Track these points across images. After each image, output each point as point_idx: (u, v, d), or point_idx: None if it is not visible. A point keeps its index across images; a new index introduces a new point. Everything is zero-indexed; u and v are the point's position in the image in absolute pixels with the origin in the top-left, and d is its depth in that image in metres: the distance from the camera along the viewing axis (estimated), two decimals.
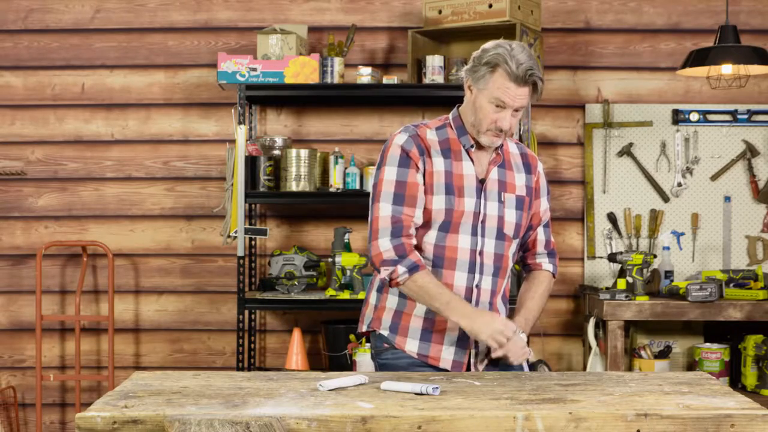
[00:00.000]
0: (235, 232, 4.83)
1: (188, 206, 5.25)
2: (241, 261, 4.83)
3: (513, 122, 2.88)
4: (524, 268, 3.18)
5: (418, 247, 2.94)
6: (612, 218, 5.19)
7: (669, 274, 4.97)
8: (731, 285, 4.86)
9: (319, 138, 5.22)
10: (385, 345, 2.99)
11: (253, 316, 5.15)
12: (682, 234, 5.19)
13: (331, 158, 4.95)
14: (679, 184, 5.19)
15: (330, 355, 4.92)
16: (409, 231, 2.89)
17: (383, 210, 2.90)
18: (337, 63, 4.88)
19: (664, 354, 5.00)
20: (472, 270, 2.94)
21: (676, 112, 5.18)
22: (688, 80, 5.19)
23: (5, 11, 5.23)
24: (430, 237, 2.94)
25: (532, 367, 4.56)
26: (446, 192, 2.91)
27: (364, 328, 3.07)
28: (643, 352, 4.97)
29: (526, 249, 3.15)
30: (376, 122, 5.23)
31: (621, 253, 4.81)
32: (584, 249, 5.23)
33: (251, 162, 4.84)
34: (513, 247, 3.03)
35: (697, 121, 5.18)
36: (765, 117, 5.18)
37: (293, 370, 4.78)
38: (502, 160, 3.01)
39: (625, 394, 2.49)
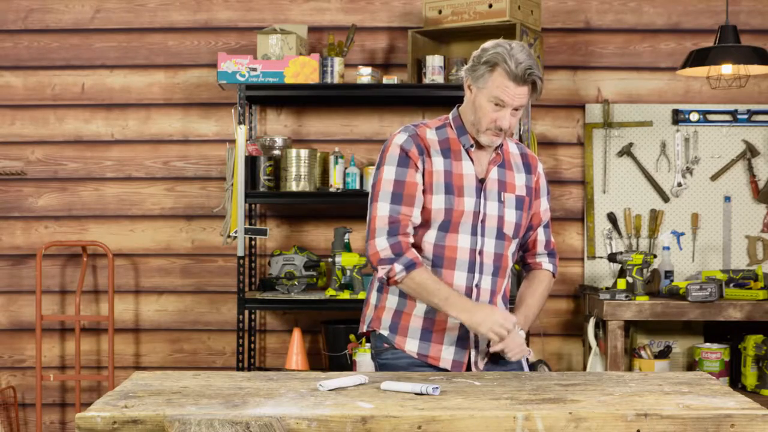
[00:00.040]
0: (235, 232, 4.83)
1: (188, 206, 5.25)
2: (241, 261, 4.83)
3: (512, 121, 2.88)
4: (524, 267, 3.19)
5: (418, 247, 2.94)
6: (612, 218, 5.20)
7: (669, 274, 4.97)
8: (731, 285, 4.86)
9: (319, 138, 5.22)
10: (385, 345, 2.99)
11: (253, 316, 5.15)
12: (682, 234, 5.19)
13: (331, 158, 4.95)
14: (679, 184, 5.19)
15: (330, 355, 4.92)
16: (406, 230, 2.90)
17: (381, 209, 2.90)
18: (337, 63, 4.88)
19: (664, 354, 5.00)
20: (471, 269, 2.95)
21: (676, 112, 5.18)
22: (688, 80, 5.19)
23: (5, 11, 5.23)
24: (430, 236, 2.94)
25: (532, 367, 4.57)
26: (446, 191, 2.91)
27: (364, 328, 3.07)
28: (643, 352, 4.97)
29: (526, 249, 3.15)
30: (376, 122, 5.23)
31: (621, 253, 4.81)
32: (584, 249, 5.23)
33: (251, 162, 4.84)
34: (513, 246, 3.03)
35: (697, 121, 5.18)
36: (765, 117, 5.18)
37: (293, 370, 4.78)
38: (501, 159, 3.01)
39: (625, 394, 2.49)
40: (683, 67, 4.66)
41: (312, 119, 5.24)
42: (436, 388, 2.48)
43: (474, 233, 2.94)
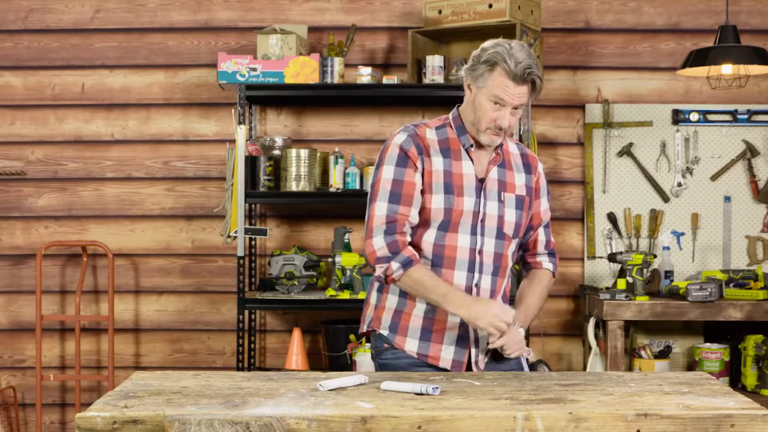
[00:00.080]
0: (235, 232, 4.83)
1: (188, 206, 5.25)
2: (241, 261, 4.83)
3: (512, 120, 2.89)
4: (524, 266, 3.19)
5: (418, 246, 2.94)
6: (612, 218, 5.20)
7: (669, 274, 4.97)
8: (731, 285, 4.86)
9: (319, 138, 5.22)
10: (385, 345, 3.00)
11: (253, 316, 5.15)
12: (682, 234, 5.19)
13: (331, 158, 4.95)
14: (679, 184, 5.19)
15: (330, 355, 4.92)
16: (403, 228, 2.90)
17: (379, 209, 2.91)
18: (337, 63, 4.88)
19: (664, 354, 5.00)
20: (471, 269, 2.95)
21: (676, 112, 5.18)
22: (688, 80, 5.19)
23: (5, 11, 5.23)
24: (430, 236, 2.94)
25: (532, 367, 4.57)
26: (445, 191, 2.92)
27: (364, 328, 3.07)
28: (643, 352, 4.97)
29: (526, 249, 3.15)
30: (376, 122, 5.23)
31: (621, 253, 4.81)
32: (584, 249, 5.23)
33: (251, 162, 4.84)
34: (512, 246, 3.04)
35: (697, 121, 5.18)
36: (765, 117, 5.18)
37: (293, 370, 4.78)
38: (501, 159, 3.01)
39: (625, 394, 2.49)
40: (683, 67, 4.66)
41: (312, 119, 5.24)
42: (436, 388, 2.48)
43: (474, 233, 2.94)
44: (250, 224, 5.12)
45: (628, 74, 5.23)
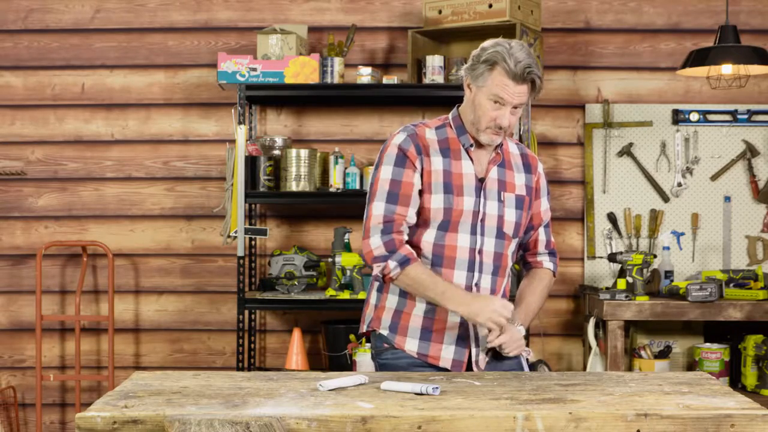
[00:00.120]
0: (235, 232, 4.83)
1: (188, 206, 5.25)
2: (241, 261, 4.83)
3: (512, 120, 2.89)
4: (525, 266, 3.19)
5: (417, 246, 2.94)
6: (612, 218, 5.20)
7: (669, 274, 4.97)
8: (731, 285, 4.86)
9: (319, 138, 5.22)
10: (385, 345, 3.00)
11: (253, 316, 5.15)
12: (682, 234, 5.19)
13: (331, 158, 4.95)
14: (679, 184, 5.19)
15: (330, 355, 4.92)
16: (399, 228, 2.90)
17: (376, 209, 2.92)
18: (337, 63, 4.88)
19: (664, 354, 5.00)
20: (471, 269, 2.95)
21: (676, 112, 5.18)
22: (688, 80, 5.19)
23: (5, 11, 5.23)
24: (430, 236, 2.94)
25: (532, 367, 4.57)
26: (445, 191, 2.92)
27: (364, 329, 3.07)
28: (643, 352, 4.97)
29: (526, 249, 3.16)
30: (376, 122, 5.23)
31: (621, 253, 4.81)
32: (584, 249, 5.23)
33: (251, 162, 4.84)
34: (512, 246, 3.04)
35: (697, 121, 5.18)
36: (765, 117, 5.18)
37: (293, 370, 4.78)
38: (501, 159, 3.01)
39: (625, 394, 2.49)
40: (683, 67, 4.66)
41: (312, 119, 5.24)
42: (436, 388, 2.48)
43: (474, 232, 2.95)
44: (250, 224, 5.12)
45: (628, 74, 5.23)
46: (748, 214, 5.19)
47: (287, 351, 5.00)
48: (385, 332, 3.00)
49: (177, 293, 5.26)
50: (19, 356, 5.29)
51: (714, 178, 5.20)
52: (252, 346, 5.10)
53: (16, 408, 5.22)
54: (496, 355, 2.98)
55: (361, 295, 4.68)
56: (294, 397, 2.44)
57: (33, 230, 5.25)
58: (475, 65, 2.88)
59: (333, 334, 4.91)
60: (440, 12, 4.91)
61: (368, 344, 4.67)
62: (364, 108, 5.22)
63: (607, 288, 4.93)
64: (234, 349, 5.18)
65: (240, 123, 4.79)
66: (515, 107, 2.87)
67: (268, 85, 4.82)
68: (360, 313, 3.12)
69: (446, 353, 2.95)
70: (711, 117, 5.19)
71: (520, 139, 4.79)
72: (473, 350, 2.96)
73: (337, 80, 4.88)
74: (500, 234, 2.98)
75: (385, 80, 4.89)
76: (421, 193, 2.93)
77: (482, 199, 2.95)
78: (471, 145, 2.97)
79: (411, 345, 2.96)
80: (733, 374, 4.99)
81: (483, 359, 2.97)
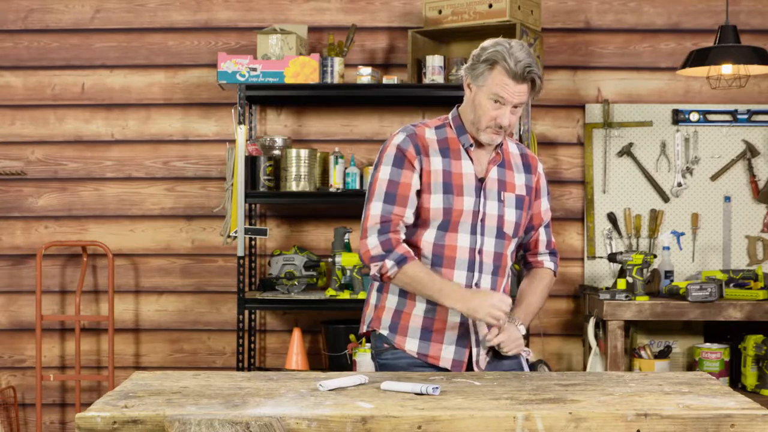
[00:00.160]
0: (235, 232, 4.83)
1: (188, 206, 5.25)
2: (241, 261, 4.83)
3: (512, 119, 2.89)
4: (525, 266, 3.19)
5: (417, 246, 2.95)
6: (612, 218, 5.19)
7: (669, 274, 4.97)
8: (731, 285, 4.86)
9: (319, 138, 5.22)
10: (385, 345, 3.00)
11: (253, 316, 5.15)
12: (682, 234, 5.18)
13: (331, 158, 4.95)
14: (679, 184, 5.19)
15: (330, 355, 4.92)
16: (396, 228, 2.91)
17: (374, 209, 2.92)
18: (337, 63, 4.88)
19: (664, 354, 5.00)
20: (471, 269, 2.95)
21: (676, 112, 5.18)
22: (688, 80, 5.19)
23: (5, 11, 5.23)
24: (429, 236, 2.94)
25: (532, 367, 4.57)
26: (444, 191, 2.92)
27: (364, 329, 3.07)
28: (643, 352, 4.97)
29: (527, 249, 3.16)
30: (376, 122, 5.23)
31: (621, 253, 4.81)
32: (584, 249, 5.23)
33: (251, 162, 4.84)
34: (512, 246, 3.04)
35: (697, 121, 5.18)
36: (765, 117, 5.18)
37: (293, 370, 4.78)
38: (501, 159, 3.02)
39: (625, 394, 2.49)
40: (683, 67, 4.66)
41: (312, 119, 5.24)
42: (436, 388, 2.48)
43: (474, 232, 2.95)
44: (250, 224, 5.12)
45: (628, 74, 5.23)
46: (748, 214, 5.19)
47: (287, 351, 5.00)
48: (385, 332, 3.00)
49: (177, 293, 5.26)
50: (19, 356, 5.29)
51: (714, 178, 5.20)
52: (252, 346, 5.10)
53: (16, 408, 5.22)
54: (495, 354, 2.99)
55: (361, 295, 4.68)
56: (294, 397, 2.44)
57: (33, 230, 5.25)
58: (475, 65, 2.88)
59: (333, 334, 4.91)
60: (440, 12, 4.91)
61: (368, 344, 4.67)
62: (364, 108, 5.22)
63: (607, 288, 4.93)
64: (234, 349, 5.18)
65: (240, 123, 4.79)
66: (515, 106, 2.88)
67: (268, 85, 4.82)
68: (360, 313, 3.12)
69: (446, 353, 2.95)
70: (711, 117, 5.19)
71: (520, 139, 4.79)
72: (474, 350, 2.96)
73: (337, 80, 4.88)
74: (500, 234, 2.98)
75: (385, 80, 4.89)
76: (419, 193, 2.93)
77: (482, 199, 2.95)
78: (471, 145, 2.97)
79: (411, 345, 2.96)
80: (733, 374, 4.99)
81: (484, 359, 2.97)
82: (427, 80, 4.89)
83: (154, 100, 5.24)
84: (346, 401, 2.39)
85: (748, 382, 4.90)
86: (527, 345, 3.20)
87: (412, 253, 2.91)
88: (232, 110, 5.01)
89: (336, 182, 4.92)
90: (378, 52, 5.22)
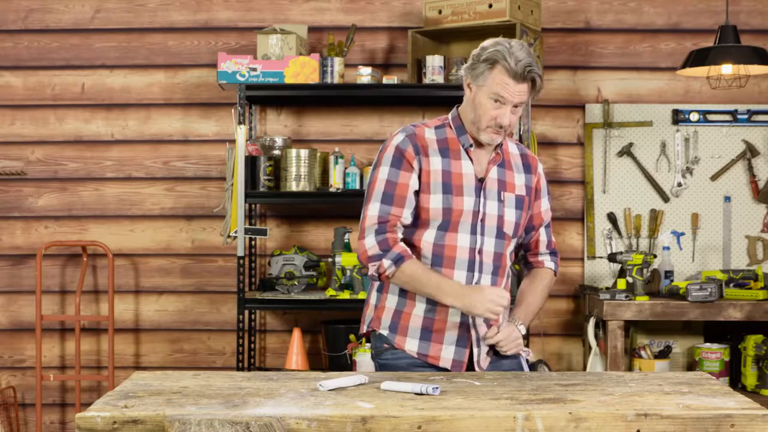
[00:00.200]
0: (235, 232, 4.83)
1: (188, 206, 5.25)
2: (241, 261, 4.83)
3: (512, 119, 2.89)
4: (526, 266, 3.19)
5: (417, 246, 2.95)
6: (612, 218, 5.19)
7: (669, 274, 4.97)
8: (731, 285, 4.86)
9: (319, 138, 5.22)
10: (385, 345, 3.00)
11: (253, 316, 5.15)
12: (682, 234, 5.19)
13: (331, 158, 4.95)
14: (679, 184, 5.19)
15: (330, 355, 4.92)
16: (393, 228, 2.91)
17: (372, 209, 2.93)
18: (337, 63, 4.88)
19: (664, 354, 5.00)
20: (471, 269, 2.95)
21: (676, 112, 5.18)
22: (688, 80, 5.19)
23: (5, 11, 5.23)
24: (429, 236, 2.94)
25: (532, 367, 4.57)
26: (444, 191, 2.92)
27: (364, 329, 3.07)
28: (643, 352, 4.97)
29: (528, 249, 3.16)
30: (376, 122, 5.23)
31: (621, 253, 4.81)
32: (584, 249, 5.23)
33: (251, 162, 4.84)
34: (512, 246, 3.04)
35: (697, 121, 5.18)
36: (765, 117, 5.18)
37: (293, 370, 4.78)
38: (501, 159, 3.02)
39: (625, 394, 2.49)
40: (683, 67, 4.66)
41: (312, 119, 5.24)
42: (436, 388, 2.48)
43: (474, 232, 2.95)
44: (250, 224, 5.12)
45: (628, 74, 5.23)
46: (748, 214, 5.19)
47: (287, 351, 5.00)
48: (385, 332, 3.00)
49: (177, 293, 5.26)
50: (19, 356, 5.29)
51: (714, 178, 5.20)
52: (252, 346, 5.10)
53: (16, 408, 5.22)
54: (495, 354, 2.99)
55: (361, 295, 4.68)
56: (294, 397, 2.44)
57: (33, 230, 5.25)
58: (476, 64, 2.88)
59: (333, 334, 4.91)
60: (440, 12, 4.91)
61: (368, 344, 4.67)
62: (364, 108, 5.22)
63: (607, 288, 4.93)
64: (234, 349, 5.18)
65: (240, 123, 4.79)
66: (515, 106, 2.88)
67: (268, 85, 4.82)
68: (360, 313, 3.12)
69: (446, 353, 2.95)
70: (711, 117, 5.19)
71: (520, 139, 4.79)
72: (475, 350, 2.96)
73: (337, 80, 4.88)
74: (500, 234, 2.98)
75: (385, 80, 4.89)
76: (418, 193, 2.93)
77: (482, 199, 2.95)
78: (471, 145, 2.97)
79: (411, 345, 2.97)
80: (733, 374, 4.99)
81: (485, 359, 2.97)
82: (427, 80, 4.89)
83: (154, 100, 5.24)
84: (346, 401, 2.39)
85: (748, 382, 4.91)
86: (527, 345, 3.20)
87: (410, 252, 2.91)
88: (232, 110, 5.01)
89: (336, 182, 4.92)
90: (378, 52, 5.22)
